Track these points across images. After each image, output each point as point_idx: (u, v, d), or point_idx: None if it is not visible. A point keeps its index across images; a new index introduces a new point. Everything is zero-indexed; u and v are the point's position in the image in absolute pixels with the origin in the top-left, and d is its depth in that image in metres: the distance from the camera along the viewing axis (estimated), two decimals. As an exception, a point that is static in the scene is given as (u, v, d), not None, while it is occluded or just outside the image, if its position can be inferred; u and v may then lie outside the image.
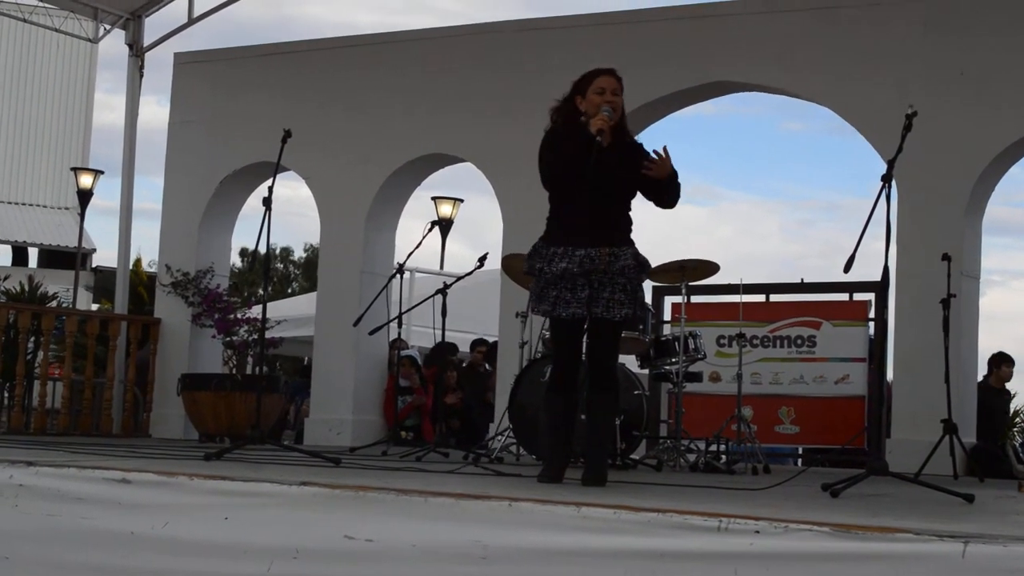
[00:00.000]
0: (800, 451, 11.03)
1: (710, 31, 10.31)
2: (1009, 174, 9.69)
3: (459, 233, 57.36)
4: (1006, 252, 53.26)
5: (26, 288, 13.83)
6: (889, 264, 5.51)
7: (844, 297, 10.46)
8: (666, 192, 5.70)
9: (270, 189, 6.92)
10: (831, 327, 10.25)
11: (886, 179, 5.46)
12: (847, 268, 5.35)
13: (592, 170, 5.44)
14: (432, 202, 18.00)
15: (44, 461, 5.26)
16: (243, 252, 30.12)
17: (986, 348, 10.52)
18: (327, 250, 11.67)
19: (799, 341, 10.33)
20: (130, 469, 4.98)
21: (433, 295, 8.67)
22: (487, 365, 12.39)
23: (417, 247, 8.94)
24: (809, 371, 10.25)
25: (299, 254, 37.26)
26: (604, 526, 3.97)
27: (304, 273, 36.48)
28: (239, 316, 11.52)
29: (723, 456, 8.28)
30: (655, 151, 5.57)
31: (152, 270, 17.00)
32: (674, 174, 5.65)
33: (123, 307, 12.41)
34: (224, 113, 12.12)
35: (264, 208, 6.85)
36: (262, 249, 6.76)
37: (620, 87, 5.69)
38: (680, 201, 5.77)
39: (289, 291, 34.44)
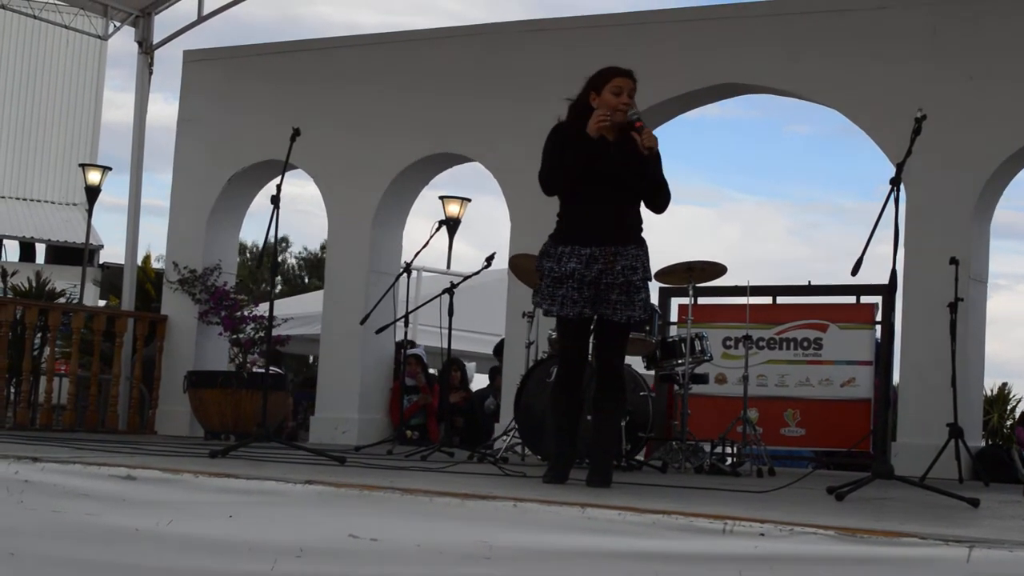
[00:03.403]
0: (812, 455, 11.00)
1: (717, 33, 10.29)
2: (1017, 178, 9.67)
3: (466, 233, 57.37)
4: (1013, 256, 53.22)
5: (33, 284, 13.84)
6: (897, 267, 5.50)
7: (851, 300, 10.44)
8: (648, 185, 5.64)
9: (278, 187, 6.94)
10: (838, 330, 10.23)
11: (894, 182, 5.45)
12: (855, 271, 5.35)
13: (609, 170, 5.48)
14: (440, 201, 18.00)
15: (49, 457, 5.26)
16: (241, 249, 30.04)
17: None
18: (334, 248, 11.67)
19: (805, 343, 10.31)
20: (135, 466, 4.99)
21: (440, 294, 8.67)
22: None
23: (424, 246, 8.97)
24: (815, 374, 10.23)
25: (298, 251, 37.15)
26: (609, 527, 3.97)
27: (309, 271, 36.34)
28: (246, 313, 11.52)
29: (728, 458, 8.26)
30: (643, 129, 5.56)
31: (160, 267, 17.01)
32: (650, 160, 5.57)
33: (130, 303, 12.42)
34: (233, 111, 12.12)
35: (272, 206, 6.87)
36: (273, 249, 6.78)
37: (635, 89, 5.68)
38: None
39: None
